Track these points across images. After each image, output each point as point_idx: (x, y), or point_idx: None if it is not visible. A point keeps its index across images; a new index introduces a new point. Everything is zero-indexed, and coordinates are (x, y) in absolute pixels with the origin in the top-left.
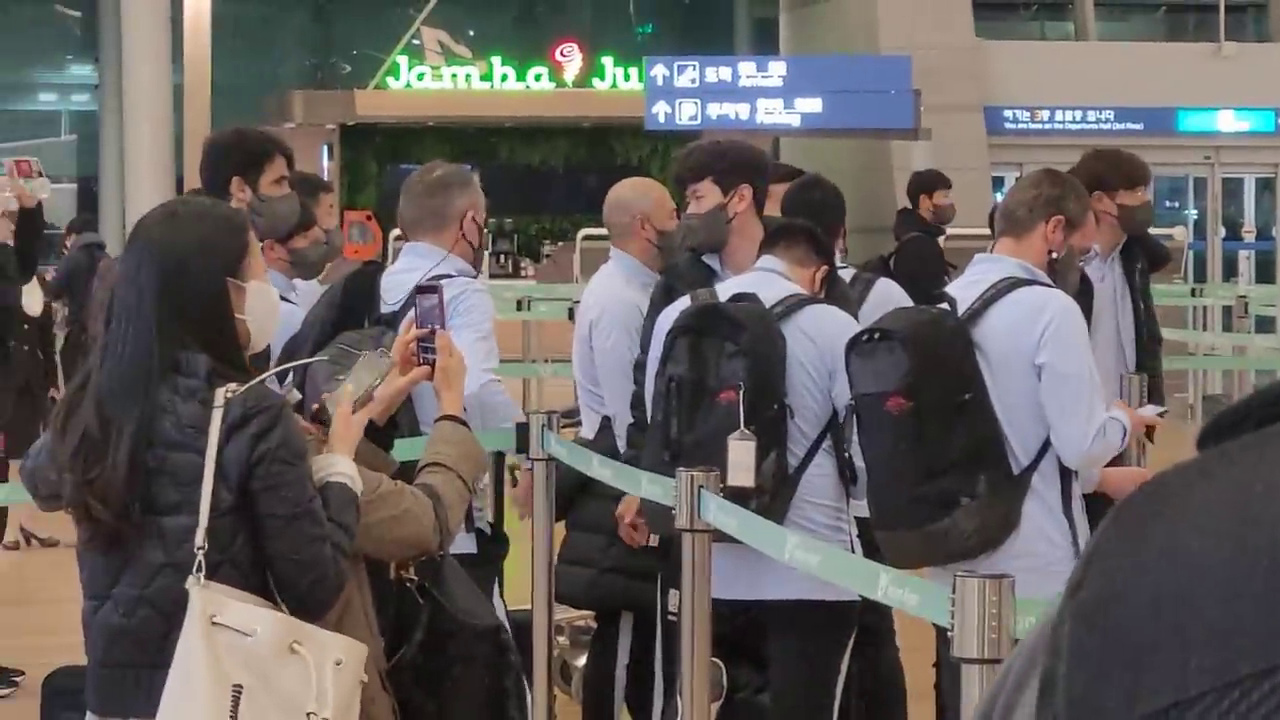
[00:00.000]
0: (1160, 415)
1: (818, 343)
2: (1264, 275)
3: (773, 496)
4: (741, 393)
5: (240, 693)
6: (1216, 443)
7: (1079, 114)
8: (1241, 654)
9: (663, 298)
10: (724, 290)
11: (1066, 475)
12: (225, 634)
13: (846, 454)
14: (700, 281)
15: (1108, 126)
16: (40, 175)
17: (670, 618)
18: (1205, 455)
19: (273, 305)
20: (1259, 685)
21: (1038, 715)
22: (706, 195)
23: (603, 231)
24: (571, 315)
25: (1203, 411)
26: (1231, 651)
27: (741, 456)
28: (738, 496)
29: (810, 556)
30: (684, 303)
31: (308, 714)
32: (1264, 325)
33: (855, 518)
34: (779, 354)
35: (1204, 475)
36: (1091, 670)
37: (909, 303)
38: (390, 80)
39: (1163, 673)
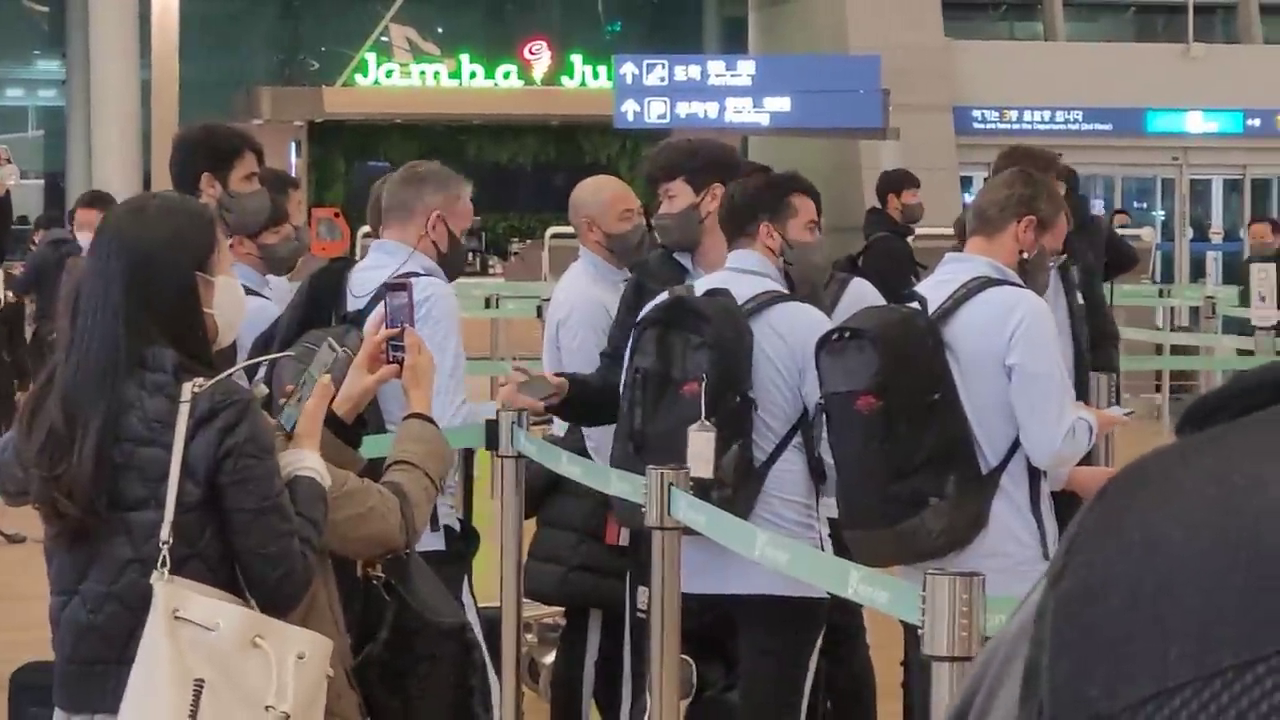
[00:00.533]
0: (1127, 415)
1: (788, 340)
2: (1231, 276)
3: (736, 489)
4: (704, 385)
5: (201, 687)
6: (1196, 429)
7: (1048, 114)
8: (1223, 645)
9: (634, 296)
10: (699, 288)
11: (1035, 475)
12: (188, 628)
13: (816, 452)
14: (672, 279)
15: (1076, 127)
16: (9, 162)
17: (639, 615)
18: (1185, 442)
19: (239, 300)
20: (1240, 677)
21: (1021, 705)
22: (679, 195)
23: (571, 230)
24: (540, 313)
25: (1170, 414)
26: (1212, 643)
27: (700, 447)
28: (697, 488)
29: (780, 554)
30: (664, 299)
31: (266, 707)
32: (1230, 326)
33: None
34: (744, 347)
35: (1184, 463)
36: (1074, 660)
37: (882, 302)
38: (358, 77)
39: (1144, 663)
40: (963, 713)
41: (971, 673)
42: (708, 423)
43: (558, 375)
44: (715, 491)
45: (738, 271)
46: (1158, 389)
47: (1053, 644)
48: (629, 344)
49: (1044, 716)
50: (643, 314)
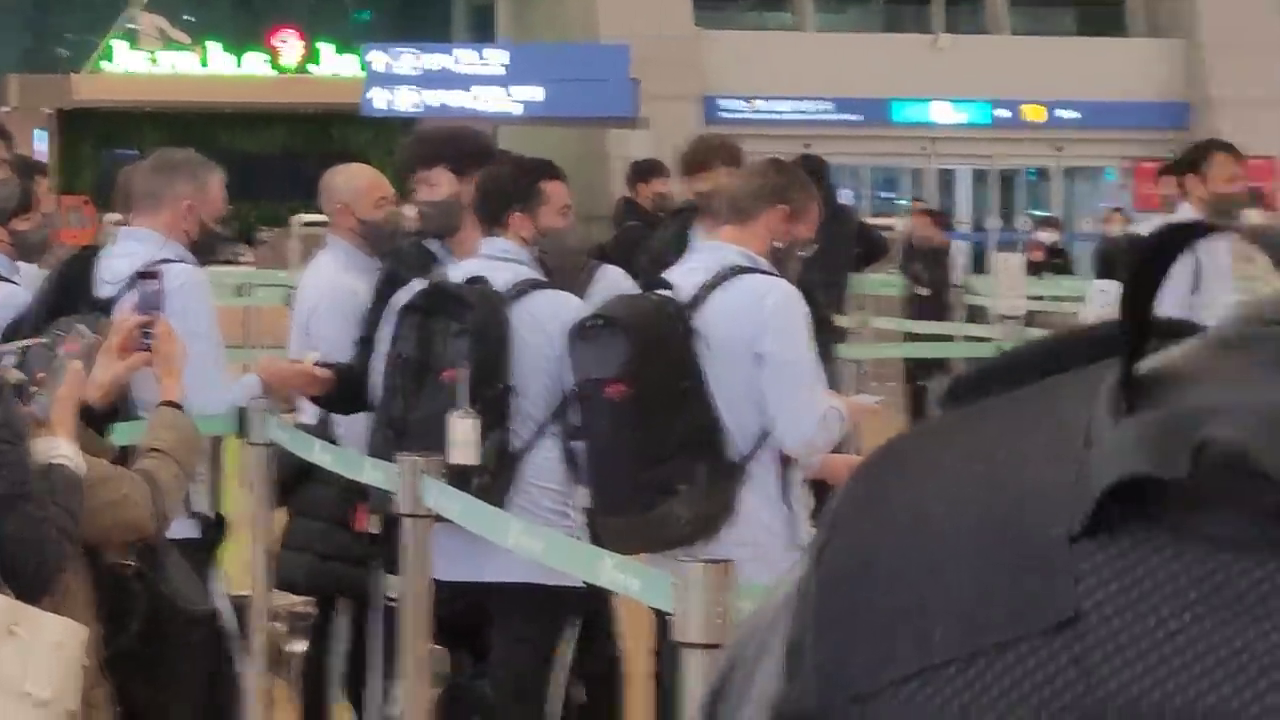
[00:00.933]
0: (877, 404)
1: (547, 327)
2: (977, 267)
3: (494, 476)
4: (465, 372)
5: None
6: (957, 406)
7: (796, 104)
8: (986, 625)
9: (388, 284)
10: (455, 275)
11: (786, 463)
12: None
13: (572, 440)
14: (425, 267)
15: (825, 117)
16: None
17: (389, 604)
18: (947, 418)
19: None
20: (1003, 656)
21: (787, 684)
22: (440, 182)
23: (320, 218)
24: (288, 301)
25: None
26: (976, 622)
27: (463, 434)
28: (459, 475)
29: (534, 542)
30: (418, 285)
31: (23, 694)
32: (975, 316)
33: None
34: (504, 334)
35: (947, 440)
36: (837, 639)
37: (634, 289)
38: (106, 65)
39: (907, 642)
40: (718, 695)
41: (726, 656)
42: (470, 409)
43: (320, 366)
44: (475, 479)
45: (493, 259)
46: (906, 378)
47: (816, 622)
48: (388, 331)
49: (807, 695)
50: (403, 300)
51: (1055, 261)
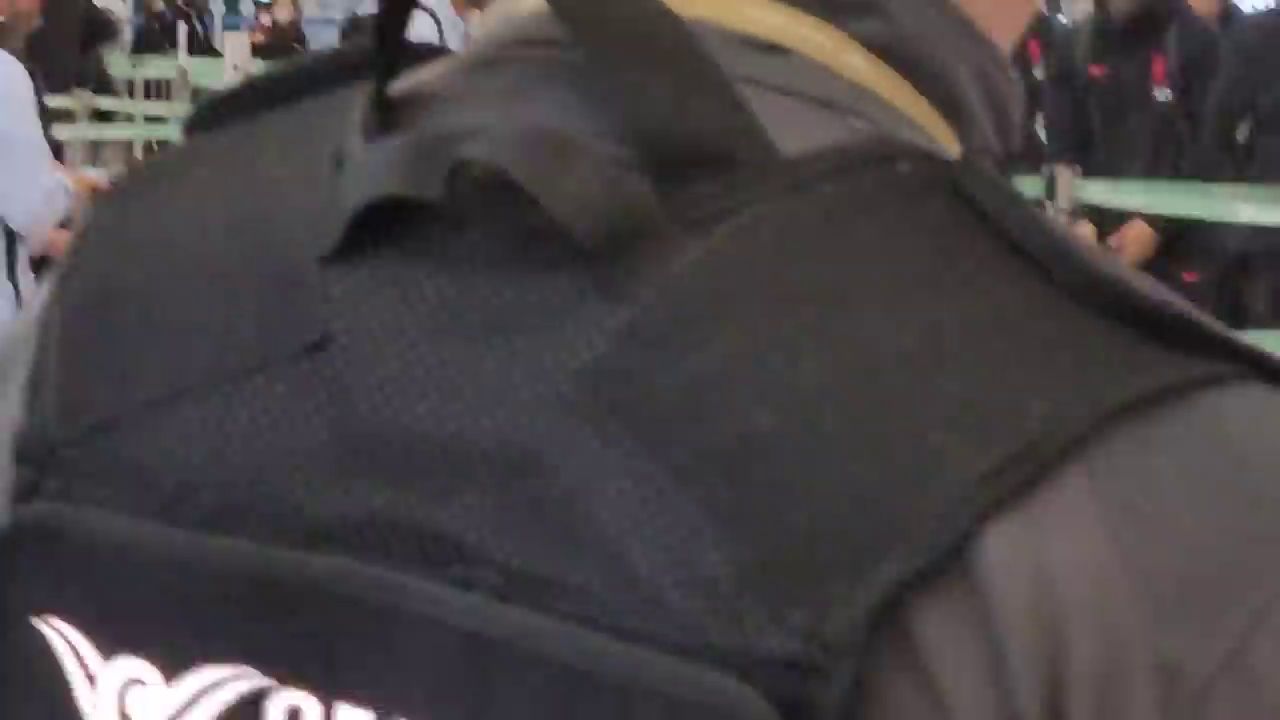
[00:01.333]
0: (101, 179)
1: None
2: (204, 48)
3: None
4: None
5: None
6: (203, 131)
7: None
8: (236, 348)
9: None
10: None
11: (12, 239)
12: None
13: None
14: None
15: None
16: None
17: None
18: (193, 144)
19: None
20: (253, 380)
21: (27, 416)
22: None
23: None
24: None
25: None
26: (226, 345)
27: None
28: None
29: None
30: None
31: None
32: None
33: None
34: None
35: (194, 165)
36: (83, 366)
37: None
38: None
39: (155, 366)
40: None
41: None
42: None
43: None
44: None
45: None
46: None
47: (59, 351)
48: None
49: (49, 425)
50: None
51: (284, 42)
